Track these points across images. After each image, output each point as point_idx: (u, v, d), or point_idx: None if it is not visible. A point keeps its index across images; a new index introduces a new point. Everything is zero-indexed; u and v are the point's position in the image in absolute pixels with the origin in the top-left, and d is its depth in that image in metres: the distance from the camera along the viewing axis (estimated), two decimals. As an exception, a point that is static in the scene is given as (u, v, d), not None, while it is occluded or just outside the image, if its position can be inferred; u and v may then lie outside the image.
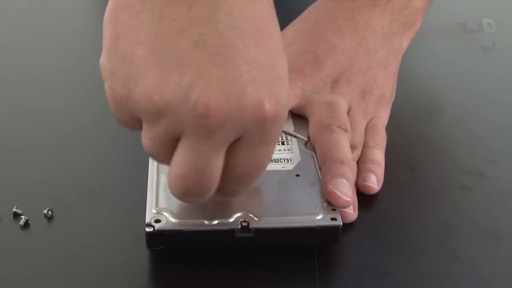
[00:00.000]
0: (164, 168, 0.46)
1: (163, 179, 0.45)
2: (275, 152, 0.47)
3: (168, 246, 0.42)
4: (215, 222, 0.42)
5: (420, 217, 0.48)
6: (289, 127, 0.51)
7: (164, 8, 0.35)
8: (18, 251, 0.43)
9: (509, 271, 0.44)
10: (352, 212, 0.45)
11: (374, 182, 0.48)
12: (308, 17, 0.56)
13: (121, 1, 0.37)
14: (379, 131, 0.52)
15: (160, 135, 0.36)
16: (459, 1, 0.76)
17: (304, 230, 0.42)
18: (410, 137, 0.55)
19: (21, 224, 0.45)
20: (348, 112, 0.51)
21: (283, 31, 0.56)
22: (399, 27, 0.55)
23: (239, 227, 0.42)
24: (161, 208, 0.43)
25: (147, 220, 0.42)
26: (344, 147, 0.48)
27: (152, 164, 0.46)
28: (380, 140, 0.51)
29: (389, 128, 0.53)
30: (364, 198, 0.48)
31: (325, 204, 0.44)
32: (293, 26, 0.56)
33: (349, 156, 0.47)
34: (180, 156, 0.37)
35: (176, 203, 0.43)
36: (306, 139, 0.50)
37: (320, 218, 0.43)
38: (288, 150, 0.48)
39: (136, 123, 0.38)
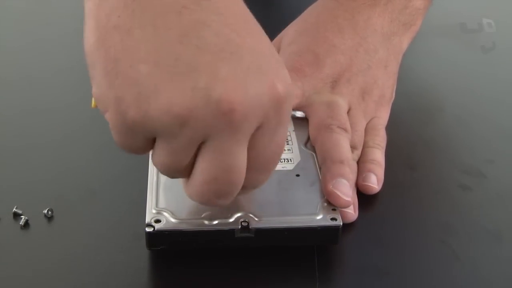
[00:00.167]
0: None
1: (163, 179, 0.45)
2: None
3: (168, 246, 0.42)
4: (215, 222, 0.42)
5: (420, 217, 0.48)
6: (289, 126, 0.51)
7: (155, 20, 0.35)
8: (18, 251, 0.43)
9: (509, 271, 0.44)
10: (352, 212, 0.45)
11: (375, 182, 0.48)
12: (308, 17, 0.56)
13: (107, 24, 0.36)
14: (379, 131, 0.52)
15: (182, 146, 0.36)
16: (459, 1, 0.76)
17: (304, 230, 0.42)
18: (410, 137, 0.55)
19: (21, 224, 0.45)
20: (348, 112, 0.51)
21: (284, 31, 0.56)
22: (399, 27, 0.55)
23: (239, 227, 0.42)
24: (161, 208, 0.43)
25: (147, 220, 0.42)
26: (344, 147, 0.48)
27: (152, 164, 0.46)
28: (380, 140, 0.51)
29: (389, 128, 0.53)
30: (364, 198, 0.48)
31: (325, 204, 0.44)
32: (293, 26, 0.56)
33: (349, 156, 0.47)
34: (206, 160, 0.36)
35: (176, 203, 0.43)
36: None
37: (320, 218, 0.43)
38: (288, 150, 0.48)
39: (149, 145, 0.38)
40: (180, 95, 0.34)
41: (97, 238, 0.44)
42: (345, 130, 0.49)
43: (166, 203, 0.43)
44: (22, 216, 0.45)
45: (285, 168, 0.47)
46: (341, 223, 0.43)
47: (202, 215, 0.42)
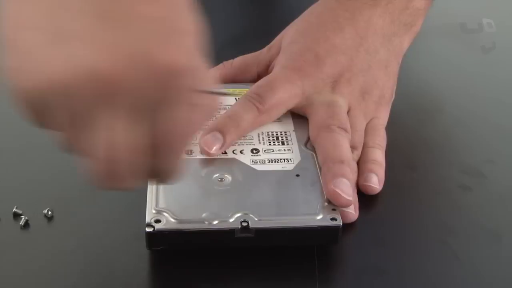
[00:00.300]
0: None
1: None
2: (275, 152, 0.48)
3: (168, 246, 0.42)
4: (215, 222, 0.42)
5: (420, 217, 0.48)
6: (289, 126, 0.51)
7: None
8: (18, 251, 0.43)
9: (509, 271, 0.44)
10: (353, 212, 0.45)
11: (376, 182, 0.48)
12: (309, 16, 0.56)
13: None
14: (379, 131, 0.52)
15: (68, 120, 0.33)
16: (459, 1, 0.76)
17: (304, 230, 0.42)
18: (410, 137, 0.55)
19: (21, 224, 0.45)
20: (348, 112, 0.51)
21: (284, 30, 0.56)
22: (400, 27, 0.55)
23: (239, 227, 0.42)
24: (161, 208, 0.43)
25: (147, 220, 0.42)
26: (344, 147, 0.48)
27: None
28: (380, 140, 0.51)
29: (389, 128, 0.53)
30: (364, 198, 0.48)
31: (325, 204, 0.44)
32: (294, 26, 0.56)
33: (349, 156, 0.47)
34: (91, 137, 0.33)
35: (176, 203, 0.43)
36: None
37: (320, 218, 0.43)
38: (288, 150, 0.48)
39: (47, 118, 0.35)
40: (58, 64, 0.32)
41: (97, 238, 0.44)
42: (345, 130, 0.49)
43: (166, 203, 0.43)
44: (22, 216, 0.45)
45: (285, 168, 0.47)
46: (341, 223, 0.43)
47: (202, 215, 0.42)
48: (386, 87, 0.54)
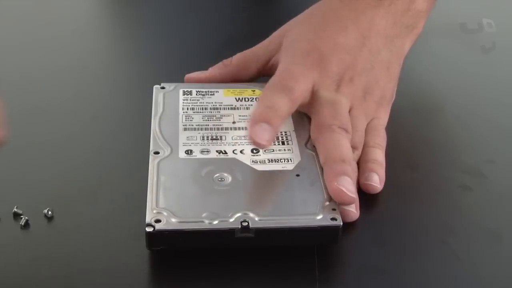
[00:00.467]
0: (164, 168, 0.46)
1: (163, 179, 0.45)
2: (275, 152, 0.48)
3: (168, 246, 0.42)
4: (215, 222, 0.42)
5: (420, 217, 0.48)
6: (289, 126, 0.51)
7: None
8: (18, 251, 0.43)
9: (509, 271, 0.44)
10: (354, 211, 0.45)
11: (377, 181, 0.48)
12: (312, 15, 0.56)
13: None
14: (380, 132, 0.52)
15: None
16: (459, 1, 0.76)
17: (304, 230, 0.42)
18: (410, 137, 0.55)
19: (21, 224, 0.45)
20: (349, 112, 0.51)
21: (286, 26, 0.56)
22: (402, 29, 0.55)
23: (239, 227, 0.42)
24: (161, 208, 0.43)
25: (147, 220, 0.42)
26: (345, 147, 0.48)
27: (152, 164, 0.46)
28: (380, 140, 0.51)
29: (389, 128, 0.53)
30: (364, 198, 0.48)
31: (325, 204, 0.44)
32: (296, 24, 0.56)
33: (350, 156, 0.47)
34: None
35: (176, 203, 0.43)
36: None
37: (320, 218, 0.43)
38: (288, 150, 0.48)
39: None
40: None
41: (97, 238, 0.44)
42: (346, 130, 0.49)
43: (166, 203, 0.43)
44: (22, 216, 0.45)
45: (285, 168, 0.47)
46: (341, 223, 0.43)
47: (202, 215, 0.42)
48: (387, 88, 0.54)
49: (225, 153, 0.48)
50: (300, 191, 0.45)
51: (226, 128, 0.50)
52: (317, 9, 0.57)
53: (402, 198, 0.49)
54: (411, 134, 0.54)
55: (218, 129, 0.50)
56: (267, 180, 0.45)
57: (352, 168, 0.47)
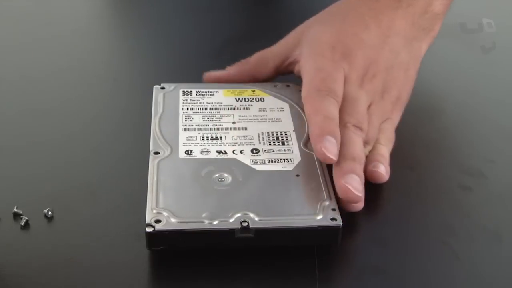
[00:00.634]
0: (164, 168, 0.46)
1: (163, 179, 0.45)
2: (275, 152, 0.48)
3: (168, 246, 0.42)
4: (215, 222, 0.42)
5: (420, 217, 0.48)
6: (289, 126, 0.51)
7: None
8: (18, 251, 0.43)
9: (509, 271, 0.44)
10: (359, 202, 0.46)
11: (384, 170, 0.49)
12: (331, 13, 0.57)
13: None
14: (390, 132, 0.52)
15: None
16: (459, 1, 0.76)
17: (304, 230, 0.42)
18: (410, 137, 0.54)
19: (21, 224, 0.45)
20: (368, 108, 0.51)
21: (305, 25, 0.56)
22: (419, 31, 0.56)
23: (239, 227, 0.42)
24: (161, 208, 0.43)
25: (147, 220, 0.42)
26: (357, 145, 0.48)
27: (152, 164, 0.46)
28: (389, 140, 0.52)
29: (389, 128, 0.53)
30: (364, 198, 0.48)
31: (325, 204, 0.44)
32: (316, 21, 0.56)
33: (361, 155, 0.47)
34: None
35: (176, 203, 0.43)
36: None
37: (320, 218, 0.43)
38: (288, 150, 0.48)
39: None
40: None
41: (97, 238, 0.44)
42: (361, 129, 0.49)
43: (166, 203, 0.43)
44: (22, 216, 0.45)
45: (285, 168, 0.47)
46: (341, 223, 0.43)
47: (202, 215, 0.42)
48: (404, 89, 0.54)
49: (225, 153, 0.48)
50: (300, 191, 0.45)
51: (226, 128, 0.50)
52: (336, 8, 0.57)
53: (402, 198, 0.49)
54: (411, 134, 0.54)
55: (218, 129, 0.50)
56: (267, 180, 0.45)
57: (361, 167, 0.47)
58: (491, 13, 0.71)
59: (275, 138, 0.49)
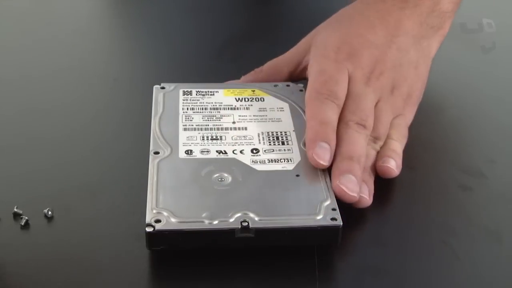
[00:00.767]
0: (164, 168, 0.46)
1: (163, 179, 0.45)
2: (275, 152, 0.48)
3: (168, 246, 0.42)
4: (215, 222, 0.42)
5: (420, 217, 0.48)
6: (289, 126, 0.51)
7: None
8: (18, 251, 0.43)
9: (509, 271, 0.44)
10: (366, 197, 0.46)
11: (394, 165, 0.49)
12: (339, 19, 0.57)
13: None
14: (403, 128, 0.53)
15: None
16: (459, 1, 0.76)
17: (304, 230, 0.42)
18: (410, 137, 0.54)
19: (21, 224, 0.45)
20: (376, 104, 0.52)
21: (314, 31, 0.57)
22: (428, 30, 0.56)
23: (239, 227, 0.42)
24: (161, 208, 0.43)
25: (147, 220, 0.42)
26: (357, 144, 0.48)
27: (152, 164, 0.46)
28: (402, 136, 0.52)
29: (389, 128, 0.53)
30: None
31: (325, 204, 0.44)
32: (324, 26, 0.57)
33: (360, 153, 0.48)
34: None
35: (176, 203, 0.43)
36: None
37: (320, 218, 0.43)
38: (288, 150, 0.48)
39: None
40: None
41: (97, 238, 0.44)
42: (364, 126, 0.49)
43: (166, 203, 0.43)
44: (22, 216, 0.45)
45: (285, 168, 0.47)
46: (341, 223, 0.42)
47: (202, 215, 0.42)
48: (415, 87, 0.54)
49: (225, 153, 0.48)
50: (300, 191, 0.45)
51: (226, 128, 0.50)
52: (343, 12, 0.58)
53: (402, 198, 0.49)
54: (411, 134, 0.54)
55: (218, 129, 0.50)
56: (267, 180, 0.45)
57: (360, 166, 0.47)
58: (491, 13, 0.71)
59: (275, 138, 0.49)
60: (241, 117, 0.51)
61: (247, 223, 0.42)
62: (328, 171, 0.47)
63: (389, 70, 0.53)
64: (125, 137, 0.54)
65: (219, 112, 0.52)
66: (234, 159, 0.47)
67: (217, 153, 0.48)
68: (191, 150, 0.48)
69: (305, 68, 0.55)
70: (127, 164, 0.51)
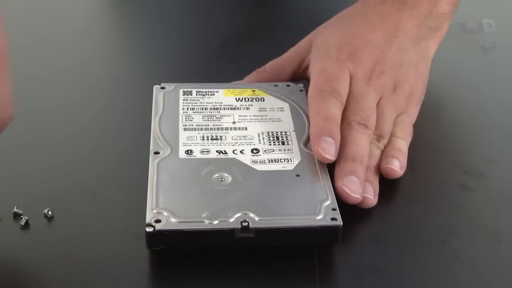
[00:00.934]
0: (164, 168, 0.46)
1: (163, 179, 0.45)
2: (275, 152, 0.48)
3: (168, 246, 0.42)
4: (215, 222, 0.42)
5: (420, 217, 0.48)
6: (289, 126, 0.51)
7: None
8: (18, 251, 0.43)
9: (509, 271, 0.44)
10: (371, 198, 0.46)
11: (397, 166, 0.49)
12: (339, 20, 0.58)
13: None
14: (407, 125, 0.53)
15: None
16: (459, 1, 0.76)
17: (304, 230, 0.42)
18: (410, 137, 0.54)
19: (21, 224, 0.45)
20: (378, 103, 0.52)
21: (314, 32, 0.57)
22: (425, 31, 0.56)
23: (239, 227, 0.42)
24: (161, 208, 0.43)
25: (148, 220, 0.42)
26: (360, 145, 0.48)
27: (152, 164, 0.46)
28: (406, 133, 0.52)
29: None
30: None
31: (325, 203, 0.44)
32: (324, 28, 0.57)
33: (363, 154, 0.48)
34: None
35: (176, 203, 0.43)
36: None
37: (320, 218, 0.43)
38: (288, 150, 0.48)
39: None
40: None
41: (97, 238, 0.44)
42: (366, 126, 0.49)
43: (166, 203, 0.43)
44: (22, 216, 0.45)
45: (285, 168, 0.47)
46: (341, 223, 0.42)
47: (202, 215, 0.42)
48: (416, 86, 0.55)
49: (225, 153, 0.48)
50: (300, 191, 0.45)
51: (226, 128, 0.50)
52: (344, 14, 0.58)
53: (402, 198, 0.49)
54: (411, 134, 0.54)
55: (218, 129, 0.50)
56: (267, 180, 0.45)
57: (363, 166, 0.47)
58: (491, 13, 0.72)
59: (275, 138, 0.49)
60: (241, 117, 0.51)
61: (247, 223, 0.42)
62: (328, 171, 0.47)
63: (390, 69, 0.53)
64: (125, 137, 0.54)
65: (219, 112, 0.52)
66: (234, 159, 0.47)
67: (217, 153, 0.48)
68: (191, 150, 0.48)
69: (306, 68, 0.55)
70: (127, 164, 0.51)
